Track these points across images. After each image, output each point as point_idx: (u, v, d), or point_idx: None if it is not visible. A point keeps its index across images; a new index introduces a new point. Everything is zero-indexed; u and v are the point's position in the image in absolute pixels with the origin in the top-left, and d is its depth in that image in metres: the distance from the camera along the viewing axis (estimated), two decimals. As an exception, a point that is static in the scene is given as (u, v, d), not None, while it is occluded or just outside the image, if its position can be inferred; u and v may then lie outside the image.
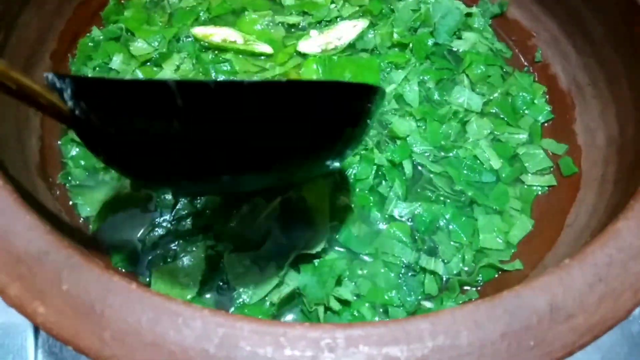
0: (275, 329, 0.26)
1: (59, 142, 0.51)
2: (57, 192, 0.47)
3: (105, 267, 0.28)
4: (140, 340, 0.26)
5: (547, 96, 0.57)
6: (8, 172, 0.38)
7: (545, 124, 0.56)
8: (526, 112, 0.56)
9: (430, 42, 0.60)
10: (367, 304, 0.43)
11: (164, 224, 0.46)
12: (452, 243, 0.47)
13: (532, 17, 0.60)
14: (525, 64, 0.61)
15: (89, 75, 0.54)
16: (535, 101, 0.56)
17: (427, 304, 0.44)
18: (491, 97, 0.57)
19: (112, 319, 0.26)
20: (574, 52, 0.54)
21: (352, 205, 0.47)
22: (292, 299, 0.43)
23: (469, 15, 0.63)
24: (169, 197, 0.47)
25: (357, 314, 0.43)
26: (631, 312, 0.29)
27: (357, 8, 0.63)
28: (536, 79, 0.59)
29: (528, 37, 0.61)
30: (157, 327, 0.26)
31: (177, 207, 0.47)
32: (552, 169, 0.52)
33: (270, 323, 0.26)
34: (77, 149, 0.50)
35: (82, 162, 0.50)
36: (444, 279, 0.46)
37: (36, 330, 0.48)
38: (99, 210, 0.47)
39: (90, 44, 0.56)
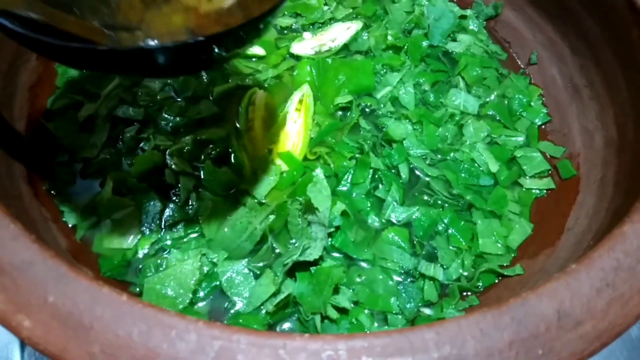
0: (274, 341, 0.25)
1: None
2: (43, 199, 0.46)
3: (94, 277, 0.27)
4: (131, 354, 0.25)
5: (544, 98, 0.57)
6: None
7: (542, 127, 0.55)
8: (523, 114, 0.55)
9: (424, 44, 0.59)
10: (365, 312, 0.42)
11: (155, 231, 0.45)
12: (451, 248, 0.46)
13: (527, 18, 0.59)
14: (521, 66, 0.60)
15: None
16: (532, 103, 0.56)
17: (427, 311, 0.43)
18: (487, 100, 0.56)
19: (101, 332, 0.25)
20: (570, 54, 0.54)
21: (349, 210, 0.46)
22: (288, 308, 0.42)
23: (463, 17, 0.63)
24: (158, 203, 0.46)
25: (355, 322, 0.41)
26: (640, 318, 0.28)
27: (351, 10, 0.62)
28: (532, 81, 0.58)
29: (523, 39, 0.60)
30: (149, 341, 0.25)
31: (167, 214, 0.46)
32: (550, 172, 0.52)
33: (269, 335, 0.25)
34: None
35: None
36: (444, 285, 0.45)
37: (22, 343, 0.47)
38: (85, 217, 0.45)
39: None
